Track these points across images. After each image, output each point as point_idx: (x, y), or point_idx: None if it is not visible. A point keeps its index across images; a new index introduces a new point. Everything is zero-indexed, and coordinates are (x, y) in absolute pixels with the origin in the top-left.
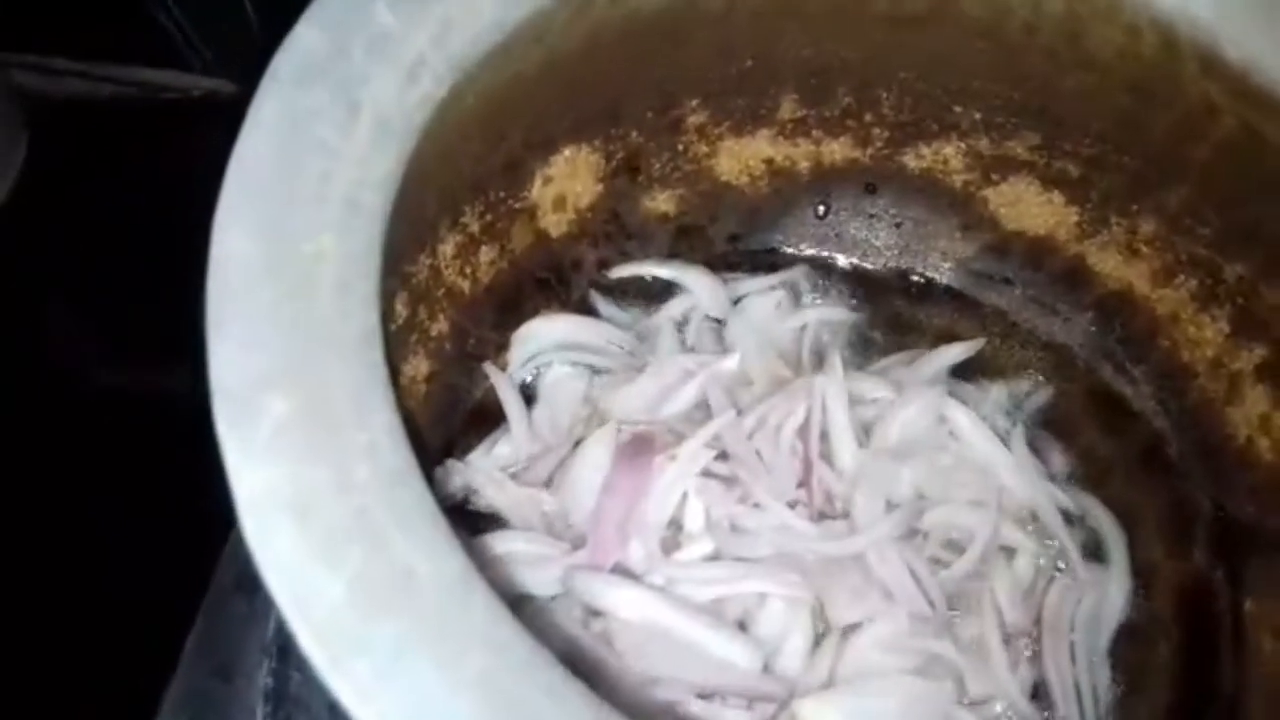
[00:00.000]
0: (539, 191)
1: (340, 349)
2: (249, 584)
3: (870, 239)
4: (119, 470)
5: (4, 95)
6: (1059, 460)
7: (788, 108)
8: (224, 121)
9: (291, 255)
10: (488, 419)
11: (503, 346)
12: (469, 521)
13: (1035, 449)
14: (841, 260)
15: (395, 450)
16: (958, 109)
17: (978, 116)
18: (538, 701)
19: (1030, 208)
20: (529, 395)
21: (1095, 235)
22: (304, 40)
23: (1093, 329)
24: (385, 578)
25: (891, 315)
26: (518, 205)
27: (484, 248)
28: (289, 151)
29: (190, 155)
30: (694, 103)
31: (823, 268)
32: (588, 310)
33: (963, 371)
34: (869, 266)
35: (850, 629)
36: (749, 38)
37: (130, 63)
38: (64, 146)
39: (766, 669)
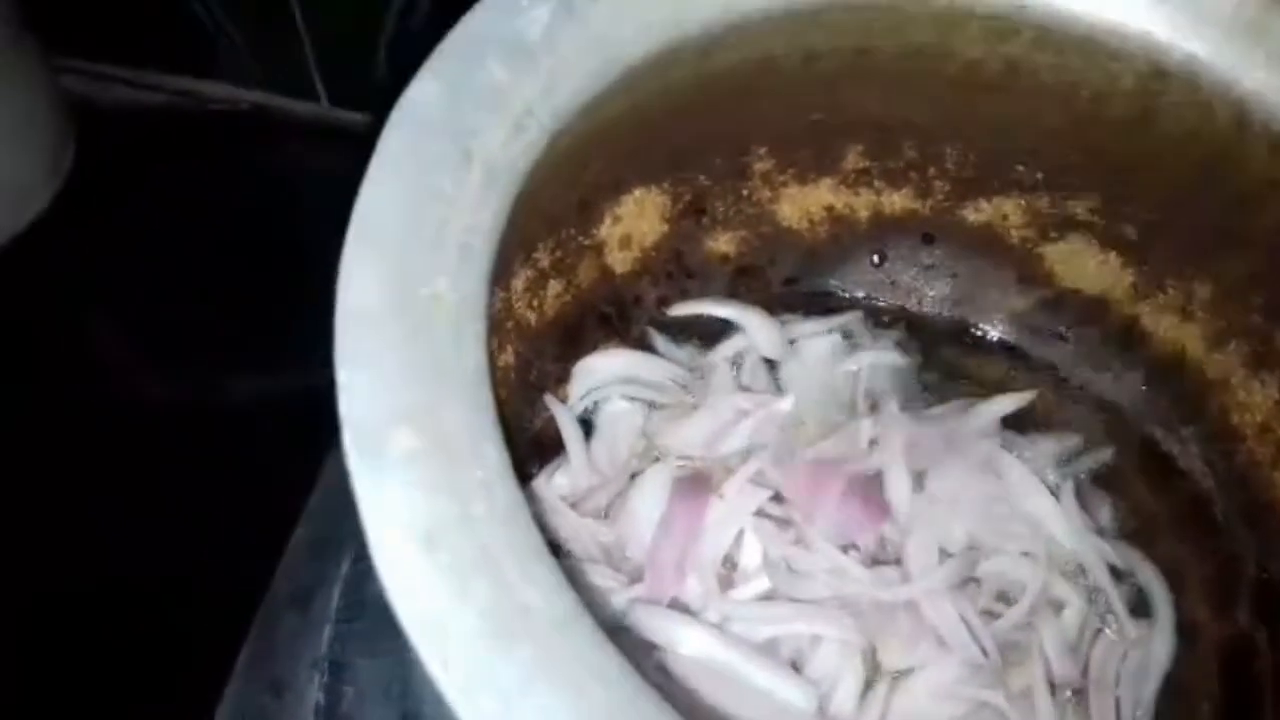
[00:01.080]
0: (607, 230)
1: (457, 387)
2: (303, 597)
3: (925, 289)
4: (160, 479)
5: (54, 101)
6: (1107, 515)
7: (852, 159)
8: (270, 134)
9: (411, 298)
10: (546, 449)
11: (563, 379)
12: None
13: (1084, 504)
14: (896, 308)
15: (507, 487)
16: (1020, 168)
17: (1040, 176)
18: None
19: (1087, 267)
20: (587, 427)
21: (1150, 297)
22: (423, 92)
23: (1144, 388)
24: (508, 611)
25: (944, 364)
26: (587, 242)
27: (552, 282)
28: (409, 199)
29: (236, 167)
30: (761, 150)
31: (877, 314)
32: (647, 347)
33: (1014, 424)
34: (924, 314)
35: (901, 675)
36: (820, 95)
37: (178, 72)
38: (111, 153)
39: (820, 711)
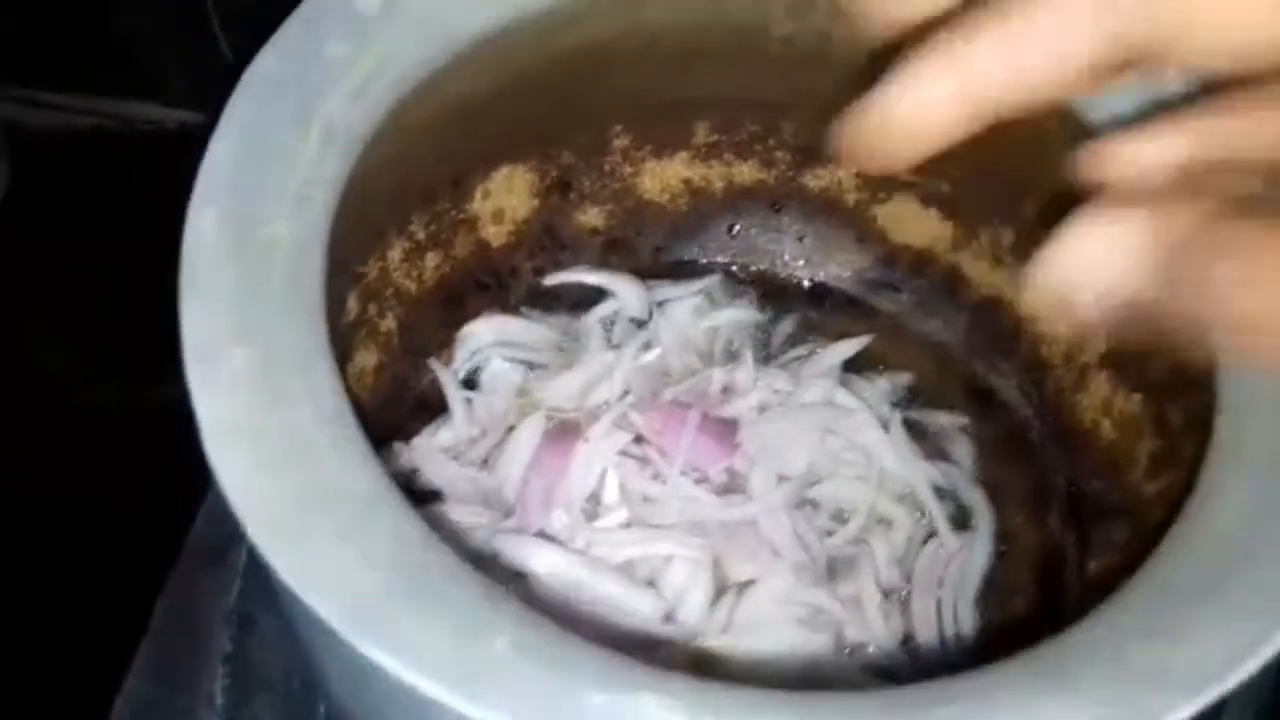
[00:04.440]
0: (480, 204)
1: (290, 313)
2: (216, 555)
3: (778, 251)
4: (91, 482)
5: None
6: (966, 452)
7: (701, 134)
8: (197, 152)
9: (250, 237)
10: (432, 408)
11: (447, 343)
12: (412, 499)
13: (947, 443)
14: (752, 270)
15: (332, 395)
16: None
17: None
18: (436, 575)
19: (912, 223)
20: (471, 388)
21: (966, 247)
22: (265, 64)
23: (968, 329)
24: (318, 487)
25: (797, 318)
26: (461, 216)
27: (429, 254)
28: (251, 154)
29: (165, 184)
30: (619, 128)
31: (737, 277)
32: (525, 313)
33: (855, 366)
34: (778, 275)
35: (746, 585)
36: (665, 74)
37: (106, 94)
38: (46, 176)
39: (669, 619)
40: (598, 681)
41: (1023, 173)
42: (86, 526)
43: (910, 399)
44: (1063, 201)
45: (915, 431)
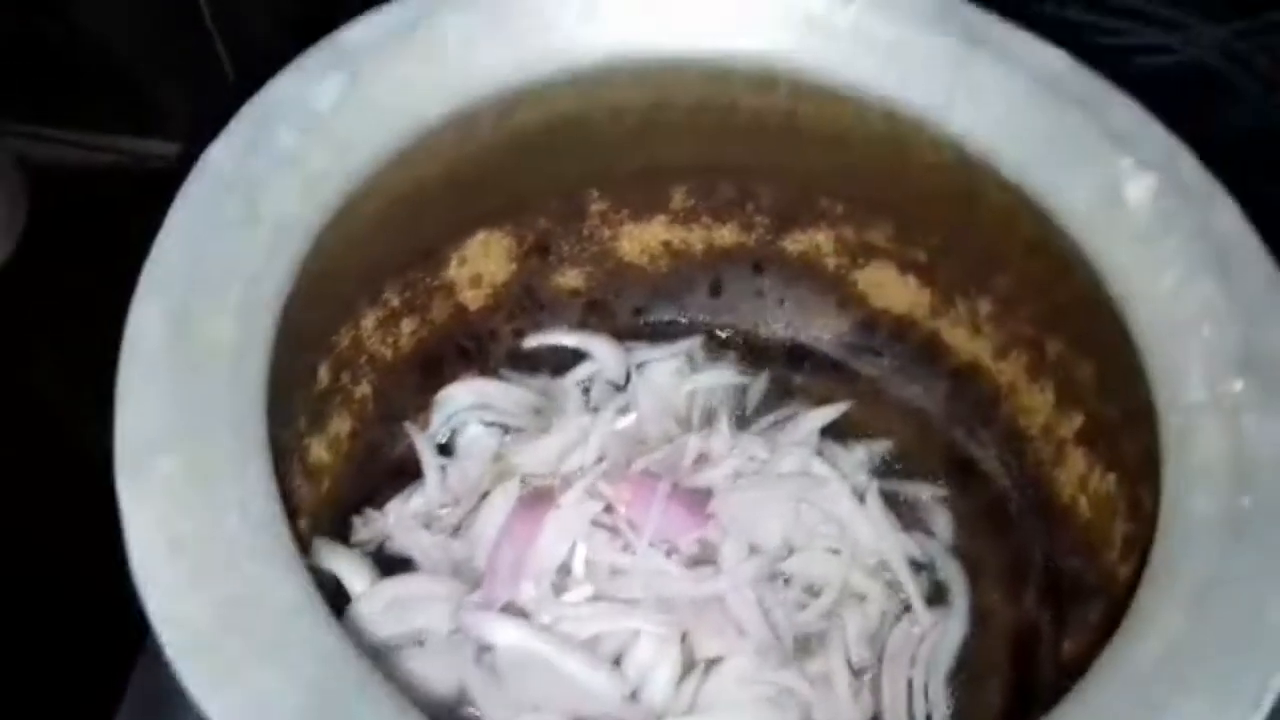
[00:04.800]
0: (456, 270)
1: (227, 416)
2: None
3: (758, 314)
4: (94, 528)
5: (8, 164)
6: (945, 525)
7: (679, 199)
8: None
9: (190, 335)
10: (407, 473)
11: (424, 407)
12: (384, 566)
13: (925, 515)
14: (733, 332)
15: (263, 502)
16: (824, 202)
17: (840, 210)
18: (352, 697)
19: (891, 289)
20: (447, 453)
21: (945, 314)
22: (218, 154)
23: (948, 396)
24: (239, 600)
25: (777, 382)
26: (436, 283)
27: (405, 320)
28: (198, 249)
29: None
30: (595, 193)
31: (718, 339)
32: (503, 376)
33: (834, 432)
34: (759, 337)
35: (713, 663)
36: (634, 145)
37: (120, 132)
38: (63, 212)
39: (635, 698)
40: None
41: (994, 247)
42: (82, 573)
43: (890, 467)
44: (1031, 281)
45: (894, 501)
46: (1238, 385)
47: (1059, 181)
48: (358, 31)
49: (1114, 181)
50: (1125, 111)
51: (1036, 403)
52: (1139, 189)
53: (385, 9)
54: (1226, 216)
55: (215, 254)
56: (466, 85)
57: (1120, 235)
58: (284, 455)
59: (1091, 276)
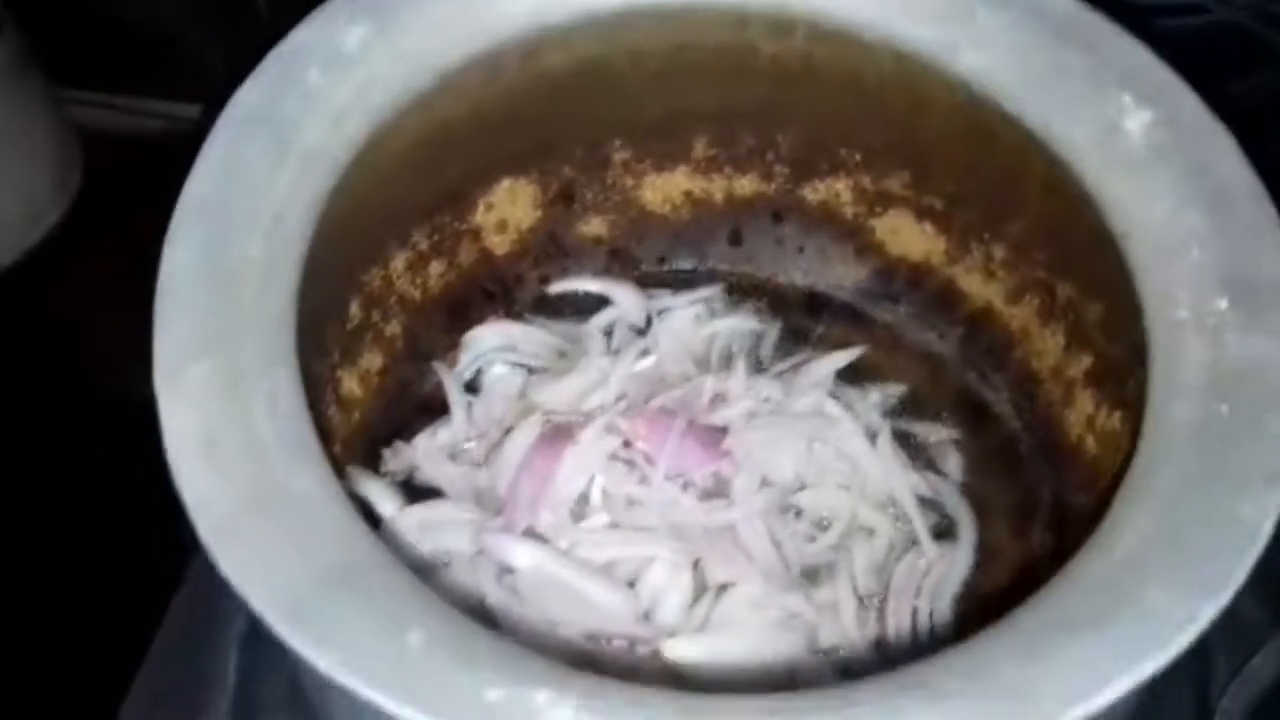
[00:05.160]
0: (482, 216)
1: (257, 327)
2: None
3: (778, 262)
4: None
5: (62, 129)
6: (955, 464)
7: (700, 148)
8: None
9: (225, 258)
10: (435, 409)
11: (451, 347)
12: (412, 496)
13: (935, 455)
14: (753, 280)
15: (289, 398)
16: (842, 151)
17: (858, 158)
18: (369, 572)
19: (908, 236)
20: (473, 391)
21: (960, 260)
22: (248, 94)
23: (962, 341)
24: (267, 490)
25: (795, 328)
26: (463, 227)
27: (433, 263)
28: (229, 182)
29: None
30: (618, 143)
31: (739, 287)
32: (528, 319)
33: (850, 376)
34: (779, 284)
35: (724, 588)
36: (655, 92)
37: (172, 98)
38: (116, 176)
39: (647, 618)
40: (498, 676)
41: (1008, 192)
42: (102, 529)
43: (904, 410)
44: (1044, 225)
45: (906, 442)
46: (1222, 304)
47: (1062, 117)
48: None
49: (1114, 117)
50: (1129, 51)
51: (1047, 345)
52: (1136, 123)
53: None
54: (1225, 153)
55: (246, 186)
56: (489, 28)
57: (1118, 167)
58: (318, 384)
59: (1097, 215)
